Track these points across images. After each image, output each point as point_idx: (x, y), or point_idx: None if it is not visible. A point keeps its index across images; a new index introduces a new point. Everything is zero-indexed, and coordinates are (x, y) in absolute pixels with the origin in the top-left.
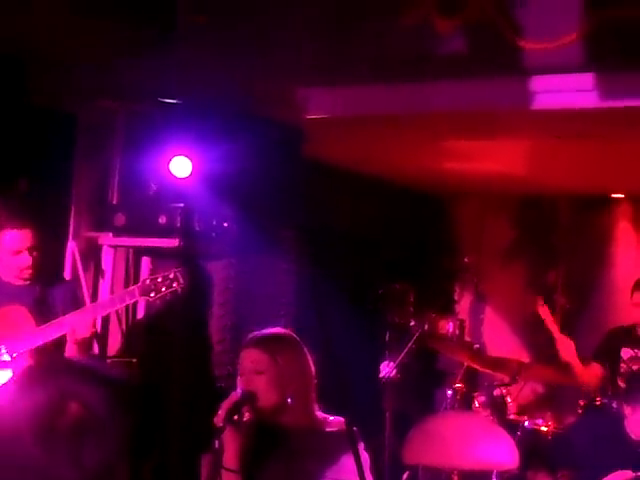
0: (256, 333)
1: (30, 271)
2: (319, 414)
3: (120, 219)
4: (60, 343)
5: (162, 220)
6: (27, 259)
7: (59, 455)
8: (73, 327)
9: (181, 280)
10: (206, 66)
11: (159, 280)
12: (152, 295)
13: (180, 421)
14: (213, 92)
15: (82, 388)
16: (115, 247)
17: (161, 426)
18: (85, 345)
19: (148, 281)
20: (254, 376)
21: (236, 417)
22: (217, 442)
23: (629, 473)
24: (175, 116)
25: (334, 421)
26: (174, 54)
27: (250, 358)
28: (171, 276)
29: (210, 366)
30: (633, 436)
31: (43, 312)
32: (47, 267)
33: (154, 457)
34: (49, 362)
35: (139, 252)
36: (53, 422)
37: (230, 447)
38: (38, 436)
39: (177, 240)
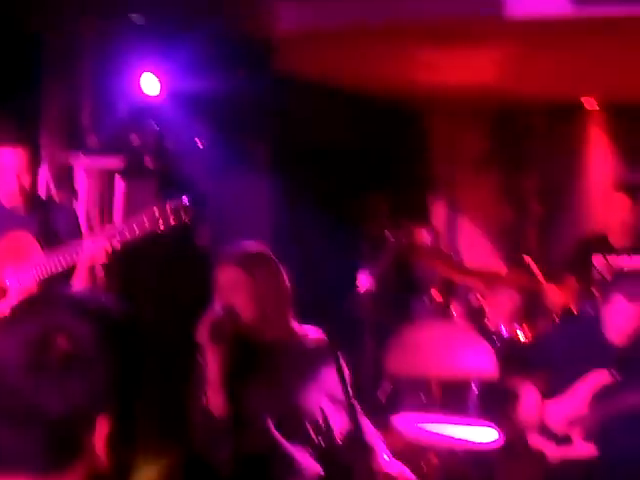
0: (232, 249)
1: (21, 197)
2: (297, 327)
3: (92, 140)
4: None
5: (134, 140)
6: (14, 182)
7: (45, 387)
8: (94, 252)
9: (189, 211)
10: None
11: (168, 211)
12: (162, 226)
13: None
14: (182, 9)
15: (71, 322)
16: (88, 168)
17: (148, 363)
18: (95, 272)
19: (157, 212)
20: (232, 292)
21: (217, 333)
22: (200, 358)
23: (605, 373)
24: (143, 35)
25: (313, 333)
26: None
27: (228, 275)
28: (179, 207)
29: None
30: (608, 336)
31: (49, 239)
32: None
33: (144, 393)
34: (39, 294)
35: (112, 172)
36: (41, 354)
37: (212, 363)
38: (26, 367)
39: (150, 159)
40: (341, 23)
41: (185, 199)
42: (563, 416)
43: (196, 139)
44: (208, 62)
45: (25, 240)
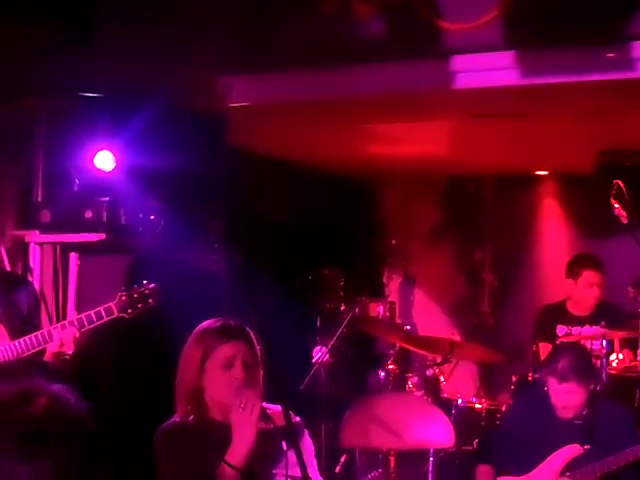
0: (227, 323)
1: None
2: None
3: (46, 216)
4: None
5: (88, 215)
6: None
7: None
8: (62, 342)
9: (157, 296)
10: (127, 59)
11: (135, 296)
12: (129, 312)
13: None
14: (135, 85)
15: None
16: (42, 244)
17: (112, 430)
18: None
19: (124, 297)
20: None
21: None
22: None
23: (577, 447)
24: (97, 110)
25: (273, 413)
26: (94, 49)
27: (242, 350)
28: (147, 292)
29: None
30: (556, 412)
31: (12, 319)
32: None
33: (107, 460)
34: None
35: (66, 248)
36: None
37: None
38: None
39: (104, 235)
40: (293, 97)
41: (153, 286)
42: None
43: (150, 214)
44: (162, 137)
45: None
